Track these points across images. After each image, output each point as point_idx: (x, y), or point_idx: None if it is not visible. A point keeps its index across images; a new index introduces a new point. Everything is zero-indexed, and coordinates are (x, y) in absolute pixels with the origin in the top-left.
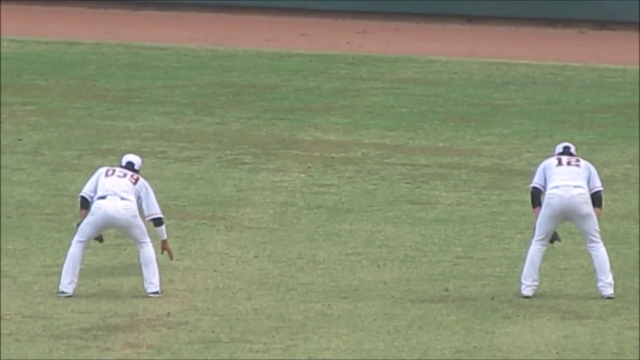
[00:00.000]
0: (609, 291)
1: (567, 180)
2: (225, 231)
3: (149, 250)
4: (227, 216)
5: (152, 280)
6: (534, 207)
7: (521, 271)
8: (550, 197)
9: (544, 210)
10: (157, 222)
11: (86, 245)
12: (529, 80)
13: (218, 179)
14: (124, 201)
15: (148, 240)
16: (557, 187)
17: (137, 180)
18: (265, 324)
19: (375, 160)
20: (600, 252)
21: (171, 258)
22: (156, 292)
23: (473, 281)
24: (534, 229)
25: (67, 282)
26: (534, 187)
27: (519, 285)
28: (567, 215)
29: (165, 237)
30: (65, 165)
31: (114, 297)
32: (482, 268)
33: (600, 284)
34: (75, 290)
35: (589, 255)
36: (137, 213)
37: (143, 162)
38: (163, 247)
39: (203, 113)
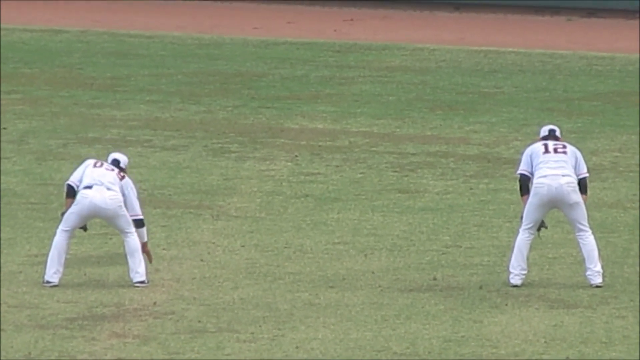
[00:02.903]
0: (598, 280)
1: (555, 169)
2: (212, 220)
3: (134, 240)
4: (213, 205)
5: (138, 270)
6: (522, 194)
7: (509, 260)
8: (539, 186)
9: (531, 199)
10: (139, 223)
11: (71, 234)
12: (517, 68)
13: (204, 167)
14: (110, 191)
15: (133, 230)
16: (544, 176)
17: (123, 177)
18: (252, 314)
19: (363, 149)
20: (588, 241)
21: (150, 261)
22: (142, 282)
23: (461, 270)
24: (522, 217)
25: (53, 272)
26: (522, 174)
27: (507, 274)
28: (555, 204)
29: (145, 239)
30: (50, 154)
31: (100, 286)
32: (470, 257)
33: (588, 272)
34: (60, 279)
35: (578, 243)
36: (122, 204)
37: (129, 161)
38: (143, 249)
39: (189, 101)
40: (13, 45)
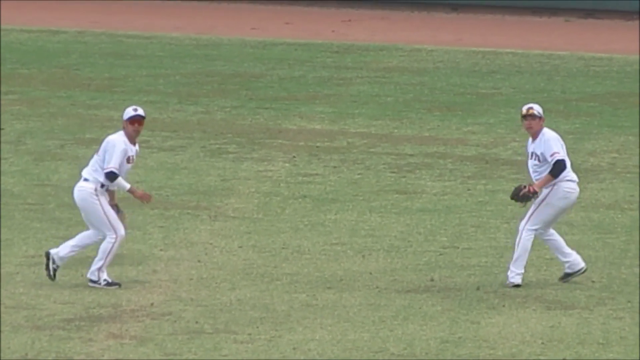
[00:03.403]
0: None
1: (572, 172)
2: (209, 221)
3: (106, 242)
4: (211, 206)
5: (93, 268)
6: (555, 177)
7: (510, 260)
8: (570, 192)
9: (557, 202)
10: (109, 176)
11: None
12: (515, 69)
13: (202, 168)
14: (82, 182)
15: (110, 234)
16: (573, 181)
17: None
18: (249, 315)
19: (361, 150)
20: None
21: (147, 199)
22: (92, 281)
23: (458, 271)
24: (531, 215)
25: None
26: (565, 161)
27: (504, 275)
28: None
29: (127, 187)
30: (48, 155)
31: (97, 287)
32: (468, 258)
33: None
34: (58, 279)
35: (546, 242)
36: (92, 195)
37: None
38: (135, 196)
39: (187, 102)
40: (11, 45)
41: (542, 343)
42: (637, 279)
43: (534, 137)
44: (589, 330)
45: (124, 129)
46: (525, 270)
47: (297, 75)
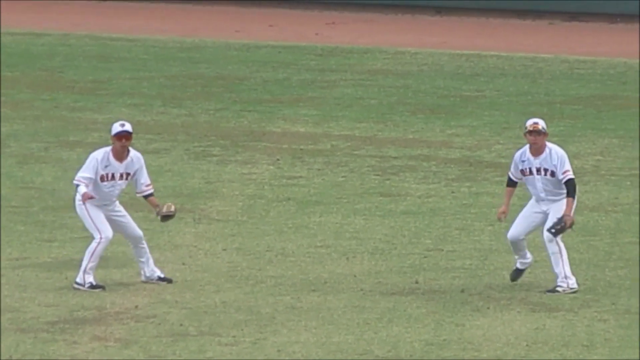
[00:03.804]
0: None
1: None
2: (194, 224)
3: (89, 245)
4: (195, 208)
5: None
6: (573, 197)
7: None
8: None
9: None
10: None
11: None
12: (499, 72)
13: (186, 171)
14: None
15: (94, 234)
16: None
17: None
18: (233, 317)
19: (345, 152)
20: None
21: (84, 199)
22: (77, 283)
23: (443, 273)
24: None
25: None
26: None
27: (489, 277)
28: None
29: (82, 192)
30: (32, 158)
31: (81, 290)
32: (452, 260)
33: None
34: (41, 283)
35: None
36: (78, 200)
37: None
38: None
39: (171, 105)
40: None
41: (527, 345)
42: (621, 281)
43: (538, 152)
44: (573, 332)
45: (112, 144)
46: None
47: (281, 77)
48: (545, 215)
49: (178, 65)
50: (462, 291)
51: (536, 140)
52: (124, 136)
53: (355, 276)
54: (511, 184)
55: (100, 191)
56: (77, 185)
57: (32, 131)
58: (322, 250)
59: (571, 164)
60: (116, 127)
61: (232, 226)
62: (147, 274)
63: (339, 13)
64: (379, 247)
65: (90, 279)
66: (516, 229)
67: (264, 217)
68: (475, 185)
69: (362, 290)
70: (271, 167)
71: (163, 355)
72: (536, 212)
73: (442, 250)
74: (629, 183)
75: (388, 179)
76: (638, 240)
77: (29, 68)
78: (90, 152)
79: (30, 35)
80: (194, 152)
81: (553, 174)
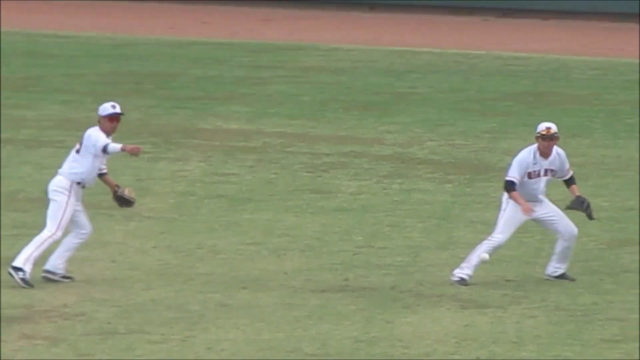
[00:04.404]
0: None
1: None
2: (124, 221)
3: (41, 234)
4: None
5: (20, 256)
6: None
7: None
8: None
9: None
10: (103, 150)
11: None
12: (432, 69)
13: (117, 168)
14: (58, 177)
15: (50, 227)
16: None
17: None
18: (163, 315)
19: (277, 149)
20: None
21: (136, 151)
22: (14, 268)
23: (373, 270)
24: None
25: None
26: None
27: (420, 274)
28: None
29: (118, 148)
30: None
31: (9, 287)
32: (383, 257)
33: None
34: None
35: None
36: (65, 190)
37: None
38: (129, 151)
39: (103, 101)
40: None
41: (456, 342)
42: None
43: (549, 154)
44: (503, 329)
45: (99, 123)
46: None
47: (214, 74)
48: (536, 219)
49: (110, 62)
50: (392, 288)
51: (551, 145)
52: (116, 118)
53: (285, 273)
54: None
55: (94, 171)
56: (106, 146)
57: None
58: (252, 247)
59: (502, 160)
60: (108, 109)
61: (163, 223)
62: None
63: (272, 10)
64: (310, 244)
65: (29, 269)
66: (507, 235)
67: (195, 215)
68: (407, 182)
69: (292, 287)
70: (203, 164)
71: (92, 354)
72: (524, 218)
73: (373, 247)
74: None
75: (320, 176)
76: None
77: None
78: (21, 150)
79: None
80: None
81: (554, 173)
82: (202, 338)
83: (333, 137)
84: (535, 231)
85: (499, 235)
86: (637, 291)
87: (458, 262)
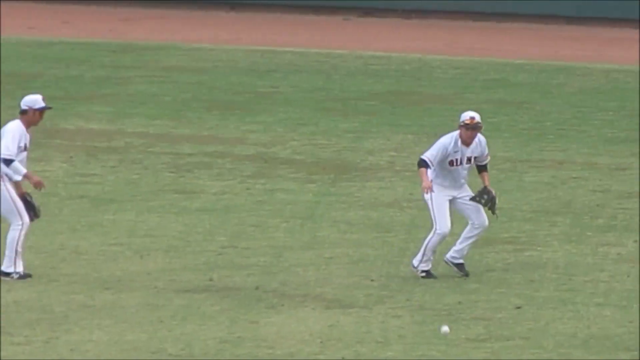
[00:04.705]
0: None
1: None
2: None
3: (12, 230)
4: None
5: (4, 261)
6: None
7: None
8: None
9: None
10: (5, 161)
11: None
12: (294, 68)
13: None
14: None
15: (16, 220)
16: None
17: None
18: (26, 316)
19: (139, 150)
20: None
21: (39, 186)
22: (5, 273)
23: (237, 271)
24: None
25: None
26: None
27: (284, 274)
28: None
29: (23, 172)
30: None
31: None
32: (247, 257)
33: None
34: None
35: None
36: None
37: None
38: (31, 182)
39: None
40: None
41: (321, 342)
42: (416, 277)
43: (471, 142)
44: (368, 328)
45: (23, 116)
46: (303, 270)
47: (75, 74)
48: (453, 199)
49: None
50: (257, 288)
51: (474, 134)
52: (44, 111)
53: (149, 274)
54: (427, 166)
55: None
56: (10, 162)
57: None
58: (115, 248)
59: (366, 160)
60: (39, 102)
61: None
62: None
63: (133, 9)
64: (173, 244)
65: (19, 268)
66: (447, 220)
67: (57, 215)
68: (270, 182)
69: (156, 288)
70: (64, 164)
71: None
72: (447, 199)
73: (237, 247)
74: None
75: (182, 176)
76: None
77: None
78: None
79: None
80: None
81: (476, 159)
82: (66, 339)
83: (196, 137)
84: (399, 230)
85: (440, 228)
86: (501, 290)
87: (322, 261)
